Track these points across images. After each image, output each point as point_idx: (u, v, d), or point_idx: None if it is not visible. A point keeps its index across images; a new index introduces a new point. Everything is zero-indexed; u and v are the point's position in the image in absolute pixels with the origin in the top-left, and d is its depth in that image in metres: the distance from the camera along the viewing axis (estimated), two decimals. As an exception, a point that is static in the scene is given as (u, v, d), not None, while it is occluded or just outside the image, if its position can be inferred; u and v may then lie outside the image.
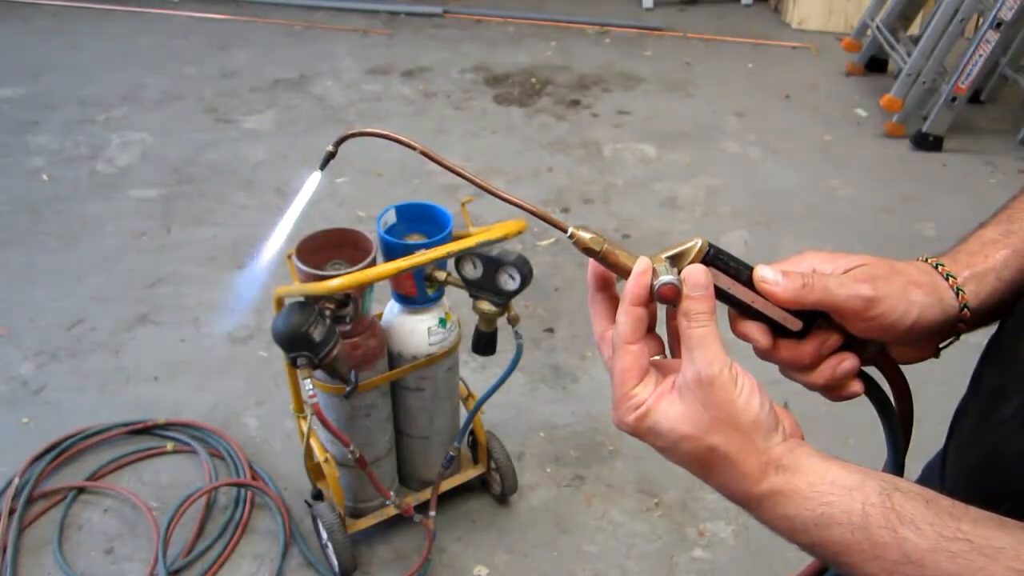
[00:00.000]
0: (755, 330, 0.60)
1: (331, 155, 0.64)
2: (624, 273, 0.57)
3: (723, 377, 0.53)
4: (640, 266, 0.56)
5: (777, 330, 0.61)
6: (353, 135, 0.61)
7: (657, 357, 0.59)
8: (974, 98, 3.96)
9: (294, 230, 0.85)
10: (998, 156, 3.71)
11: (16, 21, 4.95)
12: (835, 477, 0.52)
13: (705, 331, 0.54)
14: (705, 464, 0.54)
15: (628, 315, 0.55)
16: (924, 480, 0.76)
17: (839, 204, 3.32)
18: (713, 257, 0.57)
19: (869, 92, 4.23)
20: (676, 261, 0.57)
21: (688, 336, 0.54)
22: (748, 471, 0.53)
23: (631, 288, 0.55)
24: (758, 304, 0.59)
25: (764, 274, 0.58)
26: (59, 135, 3.69)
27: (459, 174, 0.59)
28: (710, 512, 2.00)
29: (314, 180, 0.69)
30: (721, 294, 0.58)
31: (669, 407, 0.54)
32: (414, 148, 0.59)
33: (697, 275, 0.55)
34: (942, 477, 0.69)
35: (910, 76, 3.74)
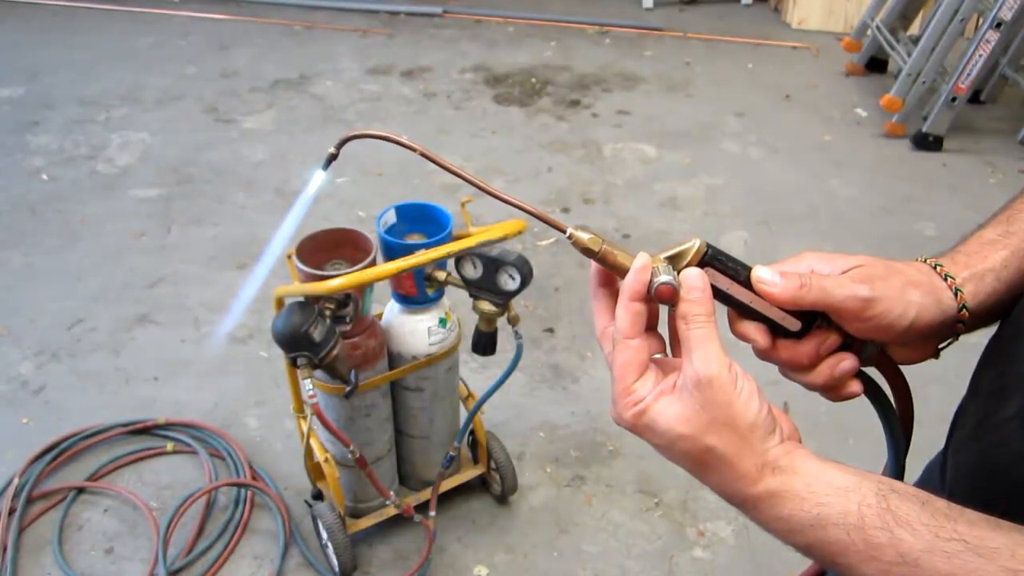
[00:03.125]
0: (754, 330, 0.61)
1: (333, 156, 0.64)
2: (623, 273, 0.57)
3: (722, 378, 0.53)
4: (639, 262, 0.56)
5: (776, 330, 0.61)
6: (355, 137, 0.61)
7: (659, 356, 0.59)
8: (974, 98, 3.96)
9: (294, 230, 0.85)
10: (998, 156, 3.71)
11: (16, 21, 4.95)
12: (831, 478, 0.52)
13: (703, 332, 0.54)
14: (701, 464, 0.55)
15: (627, 310, 0.55)
16: (924, 481, 0.76)
17: (839, 204, 3.32)
18: (711, 258, 0.57)
19: (869, 92, 4.23)
20: (674, 261, 0.57)
21: (687, 338, 0.54)
22: (744, 472, 0.53)
23: (629, 283, 0.56)
24: (756, 304, 0.59)
25: (762, 274, 0.59)
26: (59, 135, 3.69)
27: (460, 176, 0.59)
28: (710, 512, 2.00)
29: (318, 179, 0.69)
30: (719, 295, 0.58)
31: (667, 406, 0.54)
32: (414, 150, 0.59)
33: (693, 278, 0.55)
34: (942, 478, 0.69)
35: (910, 76, 3.74)
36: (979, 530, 0.47)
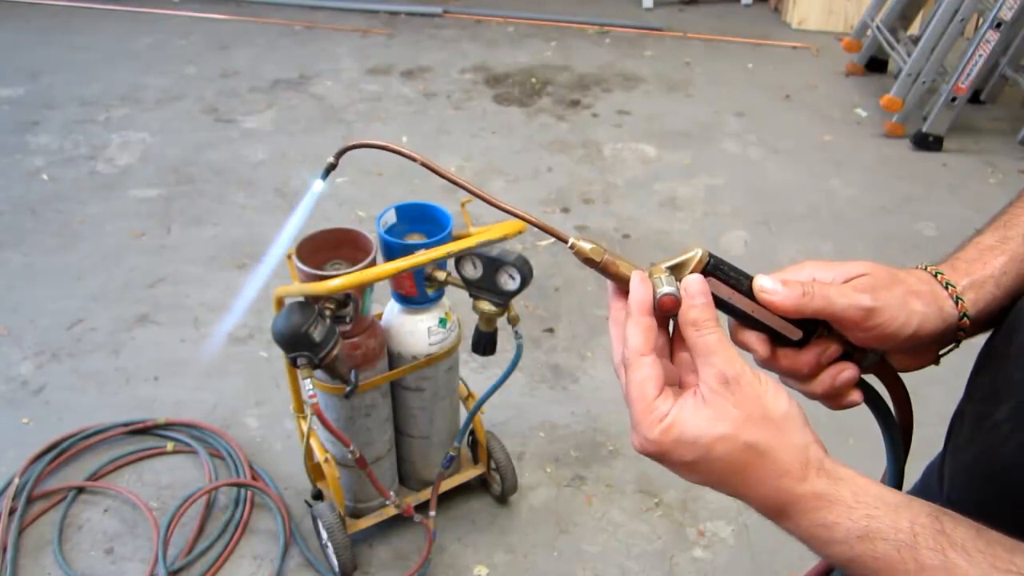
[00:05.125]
0: (755, 340, 0.61)
1: (332, 166, 0.64)
2: (626, 283, 0.57)
3: (747, 374, 0.53)
4: (637, 277, 0.56)
5: (777, 339, 0.61)
6: (354, 147, 0.61)
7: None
8: (974, 98, 3.96)
9: (295, 235, 0.86)
10: (998, 156, 3.71)
11: (16, 21, 4.95)
12: (879, 492, 0.51)
13: (716, 337, 0.54)
14: (742, 466, 0.53)
15: (638, 326, 0.55)
16: (924, 482, 0.76)
17: (839, 204, 3.32)
18: (713, 267, 0.57)
19: (869, 92, 4.23)
20: (676, 271, 0.57)
21: (701, 344, 0.54)
22: (788, 467, 0.52)
23: (634, 298, 0.56)
24: (758, 314, 0.59)
25: (764, 284, 0.58)
26: (59, 135, 3.69)
27: (460, 185, 0.59)
28: (710, 512, 2.00)
29: (316, 189, 0.69)
30: (721, 304, 0.58)
31: (694, 414, 0.53)
32: (415, 160, 0.59)
33: (696, 284, 0.55)
34: (940, 479, 0.69)
35: (910, 76, 3.74)
36: None
